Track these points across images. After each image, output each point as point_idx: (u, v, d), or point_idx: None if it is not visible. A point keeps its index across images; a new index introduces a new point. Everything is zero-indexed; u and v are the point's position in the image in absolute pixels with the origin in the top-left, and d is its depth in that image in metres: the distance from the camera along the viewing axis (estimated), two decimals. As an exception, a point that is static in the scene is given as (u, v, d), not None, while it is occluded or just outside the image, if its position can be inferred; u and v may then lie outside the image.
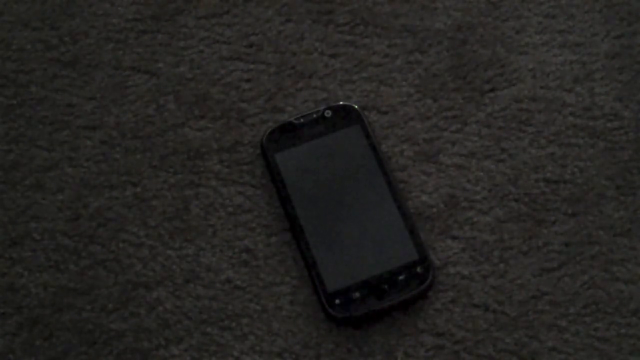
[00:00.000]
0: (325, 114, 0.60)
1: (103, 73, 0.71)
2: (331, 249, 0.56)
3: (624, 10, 0.71)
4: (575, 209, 0.65)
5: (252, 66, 0.71)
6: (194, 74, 0.71)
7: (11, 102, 0.70)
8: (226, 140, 0.68)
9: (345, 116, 0.60)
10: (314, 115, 0.61)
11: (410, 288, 0.56)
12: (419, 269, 0.56)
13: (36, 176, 0.68)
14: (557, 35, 0.70)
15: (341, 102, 0.61)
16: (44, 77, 0.71)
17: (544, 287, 0.63)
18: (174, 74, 0.71)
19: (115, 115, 0.69)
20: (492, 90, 0.68)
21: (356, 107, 0.62)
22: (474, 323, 0.62)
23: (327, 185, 0.58)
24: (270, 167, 0.60)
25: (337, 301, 0.55)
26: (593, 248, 0.64)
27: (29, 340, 0.64)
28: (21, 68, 0.71)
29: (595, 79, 0.69)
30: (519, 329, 0.62)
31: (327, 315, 0.56)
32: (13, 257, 0.66)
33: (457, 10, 0.71)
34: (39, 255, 0.66)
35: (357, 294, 0.55)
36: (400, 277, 0.56)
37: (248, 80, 0.70)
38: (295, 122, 0.60)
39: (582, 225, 0.65)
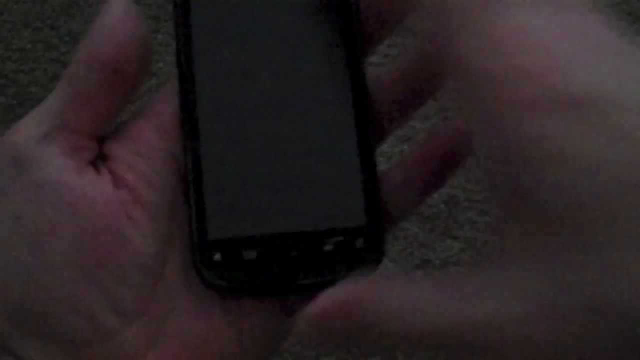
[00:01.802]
0: None
1: (103, 73, 0.71)
2: (229, 166, 0.31)
3: (624, 10, 0.71)
4: (575, 209, 0.65)
5: (252, 66, 0.71)
6: (194, 74, 0.71)
7: (11, 102, 0.70)
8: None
9: None
10: None
11: (334, 268, 0.31)
12: (358, 242, 0.31)
13: (36, 176, 0.68)
14: (557, 35, 0.70)
15: None
16: (44, 77, 0.71)
17: (544, 287, 0.63)
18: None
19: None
20: (492, 90, 0.68)
21: None
22: (474, 323, 0.62)
23: (255, 51, 0.32)
24: (177, 13, 0.34)
25: (216, 256, 0.31)
26: (593, 248, 0.64)
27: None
28: (21, 68, 0.71)
29: (595, 79, 0.69)
30: (519, 329, 0.62)
31: (195, 271, 0.30)
32: (13, 257, 0.66)
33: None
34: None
35: (250, 254, 0.31)
36: (326, 247, 0.31)
37: (248, 80, 0.70)
38: None
39: (582, 225, 0.65)
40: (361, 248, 0.32)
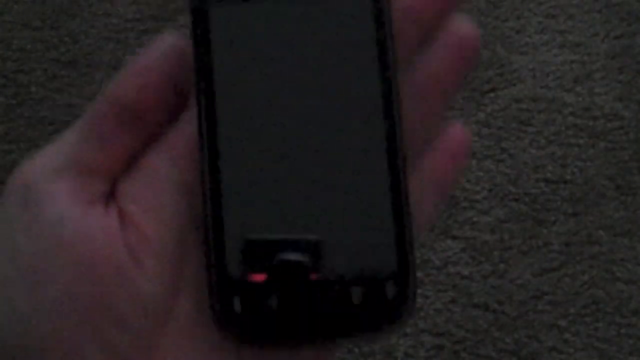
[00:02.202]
0: None
1: (103, 73, 0.71)
2: (252, 204, 0.30)
3: (624, 10, 0.71)
4: (575, 209, 0.65)
5: (252, 66, 0.71)
6: (194, 74, 0.71)
7: (11, 102, 0.70)
8: (226, 140, 0.68)
9: None
10: None
11: (362, 317, 0.29)
12: (389, 289, 0.29)
13: (36, 176, 0.68)
14: (557, 35, 0.70)
15: None
16: (44, 77, 0.71)
17: (544, 287, 0.63)
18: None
19: (115, 115, 0.70)
20: (492, 90, 0.68)
21: None
22: (474, 323, 0.62)
23: (280, 84, 0.30)
24: (195, 32, 0.30)
25: (235, 301, 0.29)
26: (593, 248, 0.64)
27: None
28: (21, 68, 0.71)
29: (595, 79, 0.69)
30: (519, 329, 0.62)
31: (211, 314, 0.28)
32: (13, 257, 0.66)
33: (457, 10, 0.71)
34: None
35: (272, 300, 0.29)
36: (354, 294, 0.30)
37: (248, 80, 0.70)
38: None
39: (582, 225, 0.65)
40: (391, 298, 0.28)
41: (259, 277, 0.28)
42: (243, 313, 0.28)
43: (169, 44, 0.28)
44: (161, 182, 0.28)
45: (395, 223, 0.29)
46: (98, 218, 0.27)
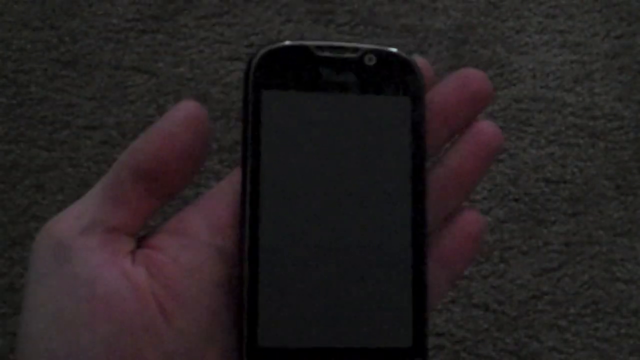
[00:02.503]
0: (366, 60, 0.34)
1: (103, 73, 0.71)
2: (286, 274, 0.32)
3: (624, 10, 0.71)
4: (575, 209, 0.65)
5: (252, 66, 0.71)
6: (194, 74, 0.71)
7: (11, 102, 0.70)
8: (226, 140, 0.68)
9: (393, 74, 0.35)
10: (347, 54, 0.34)
11: None
12: None
13: (36, 176, 0.68)
14: (557, 35, 0.70)
15: (396, 50, 0.35)
16: (44, 77, 0.71)
17: (544, 287, 0.63)
18: (174, 74, 0.71)
19: (115, 115, 0.69)
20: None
21: (414, 62, 0.34)
22: (474, 323, 0.62)
23: (322, 173, 0.33)
24: (246, 109, 0.34)
25: None
26: (593, 248, 0.64)
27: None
28: (21, 68, 0.71)
29: (595, 79, 0.69)
30: (519, 329, 0.62)
31: None
32: (13, 257, 0.66)
33: (457, 10, 0.71)
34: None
35: None
36: None
37: (248, 80, 0.70)
38: (315, 51, 0.33)
39: (582, 225, 0.65)
40: None
41: (289, 352, 0.31)
42: None
43: (188, 111, 0.30)
44: (200, 246, 0.29)
45: (415, 305, 0.34)
46: (128, 275, 0.28)
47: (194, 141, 0.31)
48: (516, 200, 0.65)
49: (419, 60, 0.33)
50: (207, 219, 0.30)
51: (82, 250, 0.28)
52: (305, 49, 0.34)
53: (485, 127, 0.32)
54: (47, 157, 0.69)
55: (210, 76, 0.71)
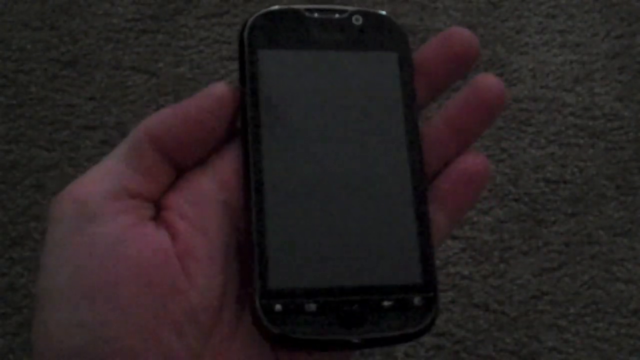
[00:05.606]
0: (354, 20, 0.37)
1: (103, 73, 0.71)
2: (293, 219, 0.33)
3: (624, 10, 0.71)
4: (575, 209, 0.65)
5: (252, 66, 0.71)
6: (194, 74, 0.71)
7: (11, 102, 0.70)
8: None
9: (380, 33, 0.38)
10: (336, 15, 0.37)
11: (393, 323, 0.34)
12: (416, 300, 0.34)
13: (36, 176, 0.68)
14: (557, 35, 0.70)
15: (380, 12, 0.38)
16: (44, 77, 0.71)
17: (544, 287, 0.63)
18: (174, 74, 0.71)
19: (115, 115, 0.69)
20: (492, 90, 0.68)
21: (399, 24, 0.38)
22: (474, 323, 0.62)
23: (320, 124, 0.35)
24: (244, 70, 0.35)
25: (277, 306, 0.32)
26: (593, 248, 0.64)
27: (29, 340, 0.64)
28: (21, 68, 0.71)
29: (595, 79, 0.69)
30: (519, 329, 0.62)
31: (254, 320, 0.32)
32: (13, 257, 0.66)
33: (457, 10, 0.71)
34: (39, 255, 0.66)
35: (311, 306, 0.33)
36: (385, 303, 0.34)
37: (248, 80, 0.70)
38: (306, 13, 0.36)
39: (582, 225, 0.65)
40: (418, 306, 0.34)
41: (301, 291, 0.32)
42: (282, 320, 0.32)
43: (219, 92, 0.31)
44: (209, 203, 0.30)
45: (420, 242, 0.35)
46: (151, 234, 0.29)
47: (219, 127, 0.32)
48: (516, 200, 0.65)
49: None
50: (212, 174, 0.31)
51: (109, 213, 0.28)
52: (295, 11, 0.36)
53: (482, 76, 0.33)
54: (47, 157, 0.69)
55: (210, 76, 0.71)
